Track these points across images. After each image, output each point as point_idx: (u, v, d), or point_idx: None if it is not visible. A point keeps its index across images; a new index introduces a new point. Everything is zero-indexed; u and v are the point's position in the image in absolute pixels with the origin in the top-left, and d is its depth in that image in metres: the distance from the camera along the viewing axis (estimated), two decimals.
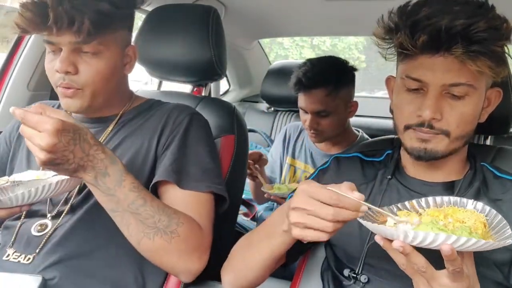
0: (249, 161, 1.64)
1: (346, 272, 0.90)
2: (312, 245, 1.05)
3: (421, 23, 0.76)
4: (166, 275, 1.04)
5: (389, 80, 0.96)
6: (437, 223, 0.66)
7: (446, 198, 0.76)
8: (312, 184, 0.68)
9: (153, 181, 0.97)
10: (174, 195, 0.97)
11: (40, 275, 0.92)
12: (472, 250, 0.62)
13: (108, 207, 0.86)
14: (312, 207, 0.66)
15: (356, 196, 0.66)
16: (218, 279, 0.97)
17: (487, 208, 0.72)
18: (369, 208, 0.68)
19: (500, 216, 0.69)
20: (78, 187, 0.99)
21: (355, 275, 0.87)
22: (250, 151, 1.66)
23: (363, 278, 0.86)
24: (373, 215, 0.73)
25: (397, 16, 0.80)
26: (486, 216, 0.71)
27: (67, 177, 0.85)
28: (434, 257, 0.63)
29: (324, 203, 0.66)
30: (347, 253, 0.92)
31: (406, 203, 0.77)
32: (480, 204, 0.73)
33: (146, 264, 0.98)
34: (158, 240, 0.87)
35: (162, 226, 0.87)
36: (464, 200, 0.74)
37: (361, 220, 0.68)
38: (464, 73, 0.78)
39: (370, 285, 0.86)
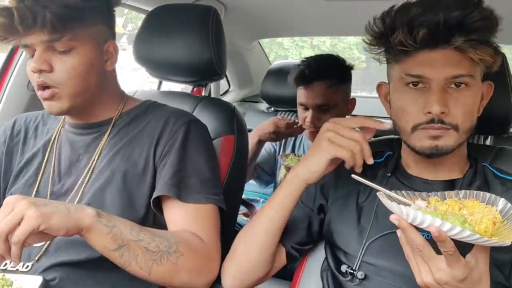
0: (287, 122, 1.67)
1: (343, 268, 0.90)
2: (312, 246, 1.06)
3: (418, 19, 0.78)
4: None
5: (380, 87, 0.96)
6: (439, 212, 0.69)
7: (481, 193, 0.78)
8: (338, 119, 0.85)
9: (154, 196, 0.96)
10: (176, 209, 0.96)
11: (41, 276, 0.92)
12: (459, 239, 0.64)
13: (115, 244, 0.82)
14: (342, 131, 0.82)
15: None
16: (217, 280, 0.97)
17: None
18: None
19: None
20: (76, 200, 0.99)
21: (352, 271, 0.88)
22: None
23: (360, 275, 0.87)
24: (405, 197, 0.80)
25: (389, 17, 0.82)
26: (505, 218, 0.71)
27: None
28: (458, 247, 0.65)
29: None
30: (346, 252, 0.92)
31: (446, 193, 0.80)
32: (509, 205, 0.73)
33: None
34: (166, 264, 0.86)
35: (164, 248, 0.86)
36: (498, 198, 0.75)
37: (379, 195, 0.74)
38: (464, 65, 0.80)
39: (367, 282, 0.87)
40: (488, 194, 0.77)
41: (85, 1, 0.93)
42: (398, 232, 0.69)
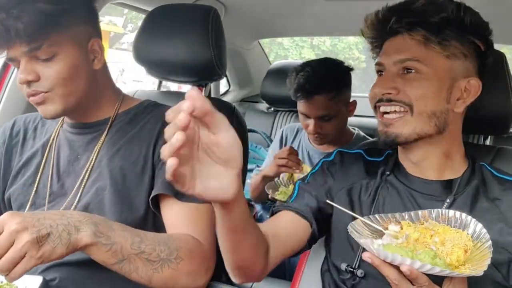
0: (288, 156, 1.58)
1: (343, 266, 0.90)
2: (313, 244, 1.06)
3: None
4: None
5: None
6: (408, 249, 0.69)
7: (451, 212, 0.78)
8: None
9: (152, 195, 0.96)
10: (174, 208, 0.95)
11: (41, 276, 0.92)
12: (432, 274, 0.65)
13: (115, 259, 0.81)
14: None
15: None
16: (218, 279, 0.97)
17: (483, 232, 0.73)
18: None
19: (487, 245, 0.70)
20: (76, 200, 0.98)
21: (352, 269, 0.88)
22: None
23: (360, 273, 0.87)
24: (379, 220, 0.80)
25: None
26: (477, 240, 0.72)
27: None
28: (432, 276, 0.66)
29: None
30: (345, 249, 0.92)
31: (420, 212, 0.81)
32: (479, 226, 0.74)
33: None
34: (167, 271, 0.86)
35: (165, 255, 0.86)
36: (469, 219, 0.76)
37: (350, 230, 0.74)
38: (412, 50, 0.86)
39: (367, 279, 0.87)
40: (458, 214, 0.77)
41: (57, 5, 0.91)
42: (382, 270, 0.69)
